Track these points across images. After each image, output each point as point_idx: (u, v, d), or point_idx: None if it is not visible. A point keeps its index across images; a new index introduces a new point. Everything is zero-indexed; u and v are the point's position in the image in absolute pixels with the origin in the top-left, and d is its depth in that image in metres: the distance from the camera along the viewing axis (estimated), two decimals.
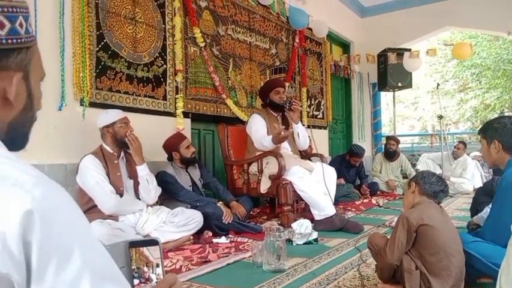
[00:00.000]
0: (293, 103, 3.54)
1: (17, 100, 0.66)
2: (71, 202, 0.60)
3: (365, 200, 4.99)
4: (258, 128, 3.47)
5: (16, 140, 0.68)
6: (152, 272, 0.96)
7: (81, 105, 2.80)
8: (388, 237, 1.81)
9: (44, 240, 0.52)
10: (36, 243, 0.52)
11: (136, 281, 0.94)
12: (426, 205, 1.72)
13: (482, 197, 2.81)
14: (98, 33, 2.93)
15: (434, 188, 1.77)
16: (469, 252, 1.65)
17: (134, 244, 0.98)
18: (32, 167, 0.59)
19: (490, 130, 1.86)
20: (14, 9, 0.64)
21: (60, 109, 2.63)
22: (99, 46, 2.94)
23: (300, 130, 3.69)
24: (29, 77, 0.68)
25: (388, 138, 6.31)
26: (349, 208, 4.32)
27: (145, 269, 0.97)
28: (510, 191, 1.63)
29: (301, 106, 5.36)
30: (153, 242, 0.99)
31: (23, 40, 0.66)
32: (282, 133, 3.21)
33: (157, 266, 0.97)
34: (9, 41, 0.63)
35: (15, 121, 0.67)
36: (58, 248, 0.54)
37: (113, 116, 2.65)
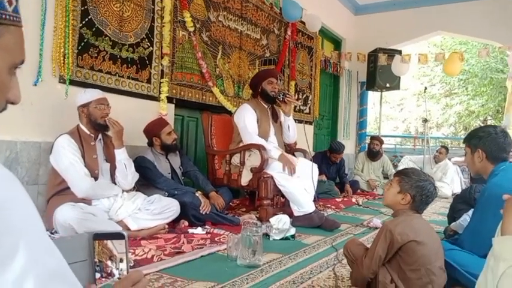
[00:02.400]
0: (287, 95, 3.50)
1: None
2: (22, 195, 0.54)
3: (345, 198, 5.00)
4: (247, 124, 3.35)
5: None
6: (115, 267, 0.90)
7: (60, 82, 2.69)
8: (365, 244, 1.76)
9: None
10: None
11: (97, 275, 0.89)
12: (410, 216, 1.61)
13: (459, 204, 2.81)
14: (82, 8, 2.80)
15: (426, 205, 1.66)
16: (445, 260, 1.63)
17: (99, 236, 0.92)
18: None
19: (474, 139, 1.84)
20: None
21: (35, 84, 2.51)
22: (83, 22, 2.81)
23: (290, 123, 3.66)
24: None
25: (373, 138, 6.33)
26: (329, 205, 4.31)
27: (109, 263, 0.91)
28: (492, 202, 1.59)
29: (297, 100, 5.27)
30: (119, 236, 0.93)
31: None
32: (292, 166, 3.27)
33: (121, 261, 0.91)
34: None
35: None
36: (1, 246, 0.49)
37: (89, 96, 2.54)
